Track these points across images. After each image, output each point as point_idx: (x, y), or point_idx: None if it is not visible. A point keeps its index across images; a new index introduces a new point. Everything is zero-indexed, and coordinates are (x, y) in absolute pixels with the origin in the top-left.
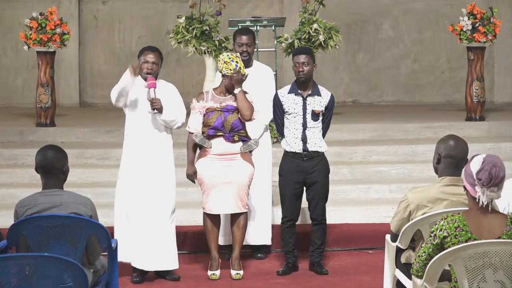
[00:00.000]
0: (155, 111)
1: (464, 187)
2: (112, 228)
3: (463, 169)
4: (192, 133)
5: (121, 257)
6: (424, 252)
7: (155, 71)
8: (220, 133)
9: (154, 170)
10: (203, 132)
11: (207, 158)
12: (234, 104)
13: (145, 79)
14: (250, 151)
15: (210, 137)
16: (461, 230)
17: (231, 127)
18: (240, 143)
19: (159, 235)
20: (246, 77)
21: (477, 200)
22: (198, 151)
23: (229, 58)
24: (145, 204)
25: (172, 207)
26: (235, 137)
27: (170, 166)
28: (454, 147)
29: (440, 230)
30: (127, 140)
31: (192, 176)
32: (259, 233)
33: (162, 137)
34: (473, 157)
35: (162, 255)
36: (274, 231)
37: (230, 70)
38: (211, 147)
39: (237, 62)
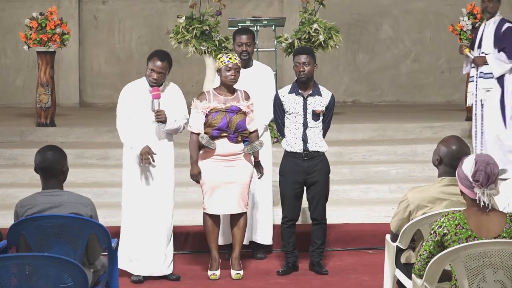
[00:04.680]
0: (159, 123)
1: (461, 190)
2: (112, 228)
3: (456, 173)
4: (195, 133)
5: (125, 266)
6: (425, 250)
7: (160, 80)
8: (225, 134)
9: (156, 175)
10: (206, 133)
11: (210, 159)
12: (238, 104)
13: (151, 85)
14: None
15: (214, 138)
16: (461, 227)
17: (236, 128)
18: (242, 144)
19: (160, 239)
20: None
21: (478, 202)
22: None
23: (223, 56)
24: (148, 209)
25: (171, 211)
26: (238, 138)
27: (170, 172)
28: (457, 153)
29: (440, 227)
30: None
31: (197, 176)
32: (259, 233)
33: (164, 143)
34: (462, 159)
35: (161, 260)
36: (274, 231)
37: (222, 63)
38: (215, 148)
39: (230, 57)
